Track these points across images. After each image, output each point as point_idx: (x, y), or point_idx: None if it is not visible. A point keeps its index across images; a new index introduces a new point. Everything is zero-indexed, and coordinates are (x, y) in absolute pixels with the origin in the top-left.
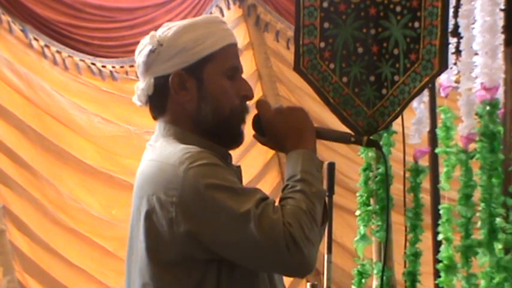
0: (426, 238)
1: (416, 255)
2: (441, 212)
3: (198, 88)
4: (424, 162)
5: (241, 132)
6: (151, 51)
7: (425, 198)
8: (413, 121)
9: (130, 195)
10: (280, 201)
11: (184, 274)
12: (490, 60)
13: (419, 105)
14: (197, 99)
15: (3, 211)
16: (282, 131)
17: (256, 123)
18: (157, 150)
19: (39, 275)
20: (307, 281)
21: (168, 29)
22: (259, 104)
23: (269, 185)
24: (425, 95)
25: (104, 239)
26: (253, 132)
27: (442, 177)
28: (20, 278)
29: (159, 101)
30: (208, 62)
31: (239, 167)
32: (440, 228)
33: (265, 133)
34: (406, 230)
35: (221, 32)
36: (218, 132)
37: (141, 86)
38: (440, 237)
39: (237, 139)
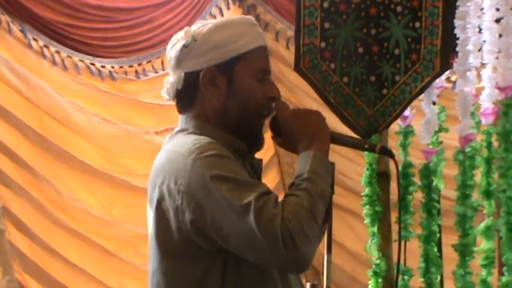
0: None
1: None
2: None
3: (228, 86)
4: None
5: (261, 133)
6: (185, 46)
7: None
8: (422, 121)
9: (130, 195)
10: (284, 198)
11: (189, 264)
12: (505, 60)
13: (428, 105)
14: (225, 97)
15: (3, 211)
16: (296, 132)
17: (274, 124)
18: (174, 140)
19: (39, 275)
20: (307, 281)
21: (202, 25)
22: (278, 105)
23: (269, 185)
24: (434, 96)
25: (103, 238)
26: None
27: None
28: (20, 278)
29: (187, 95)
30: (239, 61)
31: (260, 160)
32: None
33: (281, 134)
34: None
35: (254, 33)
36: (240, 130)
37: (170, 80)
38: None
39: (257, 140)
